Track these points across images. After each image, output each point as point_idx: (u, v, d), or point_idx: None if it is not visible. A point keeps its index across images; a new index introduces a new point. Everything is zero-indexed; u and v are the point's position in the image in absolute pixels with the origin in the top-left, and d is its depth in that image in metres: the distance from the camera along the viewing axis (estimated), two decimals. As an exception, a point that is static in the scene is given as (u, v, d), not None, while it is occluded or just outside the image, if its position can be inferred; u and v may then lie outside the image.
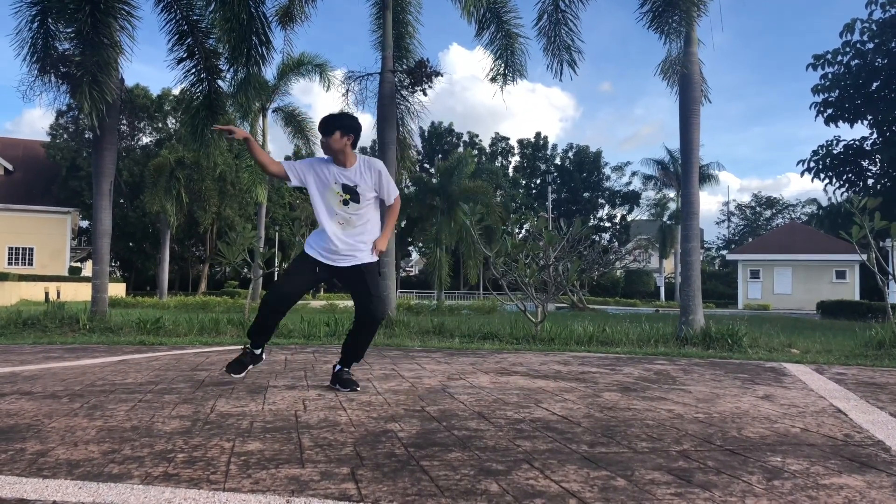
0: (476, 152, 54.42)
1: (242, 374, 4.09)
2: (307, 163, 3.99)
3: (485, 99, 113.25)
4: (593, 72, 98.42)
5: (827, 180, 22.10)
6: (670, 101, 9.64)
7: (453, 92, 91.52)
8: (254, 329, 4.06)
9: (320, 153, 4.27)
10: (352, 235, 3.92)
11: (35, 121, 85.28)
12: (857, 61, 20.67)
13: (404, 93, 12.25)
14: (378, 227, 4.05)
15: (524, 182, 60.16)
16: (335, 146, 3.86)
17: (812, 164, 22.18)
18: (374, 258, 4.01)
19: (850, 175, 22.04)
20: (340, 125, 3.87)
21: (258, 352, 4.15)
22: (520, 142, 62.11)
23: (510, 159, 61.84)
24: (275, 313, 4.01)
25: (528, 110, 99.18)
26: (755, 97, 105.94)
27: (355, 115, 4.97)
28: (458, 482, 2.11)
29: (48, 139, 37.22)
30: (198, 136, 10.70)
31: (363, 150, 54.69)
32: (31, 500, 1.88)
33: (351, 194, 3.88)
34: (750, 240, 54.76)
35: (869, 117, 21.06)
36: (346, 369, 4.10)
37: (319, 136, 3.93)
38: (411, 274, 61.71)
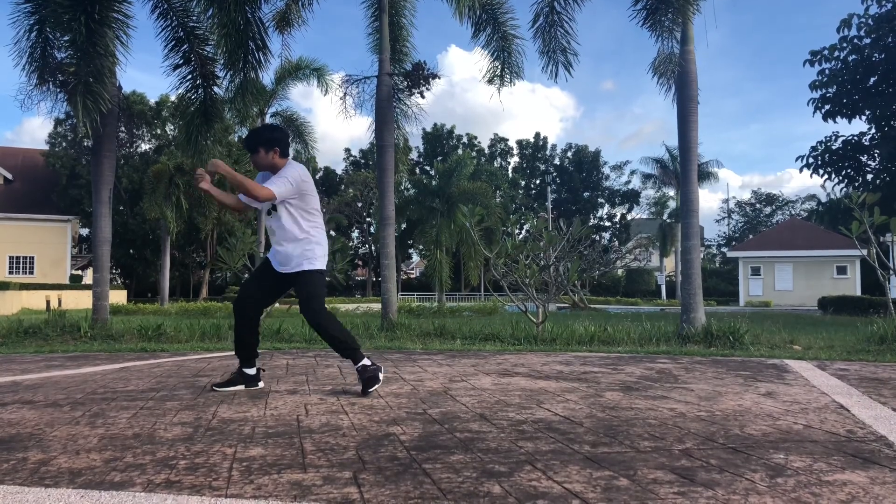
0: (475, 154, 54.40)
1: (227, 389, 4.08)
2: (300, 184, 4.00)
3: (485, 100, 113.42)
4: (593, 71, 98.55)
5: (826, 176, 22.08)
6: (670, 98, 9.63)
7: (453, 94, 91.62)
8: (236, 344, 4.16)
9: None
10: (279, 243, 4.02)
11: (35, 130, 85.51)
12: (854, 56, 20.66)
13: (402, 95, 12.25)
14: (300, 236, 3.97)
15: (523, 183, 60.16)
16: (262, 162, 4.00)
17: (811, 160, 22.16)
18: (306, 267, 3.98)
19: (848, 170, 22.02)
20: (260, 140, 3.97)
21: (251, 372, 4.16)
22: (519, 142, 62.13)
23: (509, 160, 61.86)
24: (242, 317, 4.08)
25: (528, 111, 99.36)
26: (752, 94, 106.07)
27: (275, 125, 5.13)
28: (461, 484, 2.10)
29: (47, 148, 37.26)
30: (192, 142, 10.70)
31: (362, 152, 54.69)
32: (34, 510, 1.87)
33: (273, 204, 3.97)
34: (750, 237, 54.72)
35: (867, 112, 21.04)
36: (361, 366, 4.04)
37: (296, 144, 4.01)
38: (412, 276, 61.72)
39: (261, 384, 4.22)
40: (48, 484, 2.12)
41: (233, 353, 4.39)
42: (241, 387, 4.12)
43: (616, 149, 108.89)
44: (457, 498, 1.97)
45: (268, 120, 28.37)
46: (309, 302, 4.00)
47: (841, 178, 22.11)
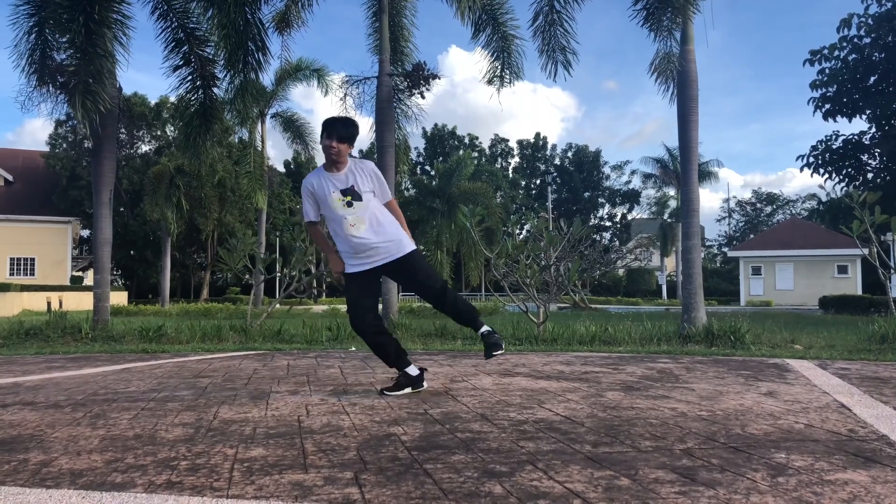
0: (475, 154, 54.45)
1: (399, 392, 3.95)
2: (312, 190, 3.97)
3: (486, 101, 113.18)
4: (595, 71, 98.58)
5: (826, 175, 22.08)
6: (670, 98, 9.62)
7: (455, 94, 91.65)
8: (381, 356, 4.06)
9: (320, 158, 4.29)
10: (371, 233, 3.87)
11: (36, 131, 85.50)
12: (854, 56, 20.65)
13: (402, 96, 12.26)
14: (392, 218, 3.99)
15: (524, 183, 60.19)
16: (343, 153, 3.89)
17: (811, 160, 22.15)
18: (410, 248, 3.95)
19: (849, 170, 22.01)
20: (354, 134, 3.92)
21: (414, 374, 4.01)
22: (519, 143, 62.19)
23: (510, 160, 61.88)
24: (375, 332, 3.95)
25: (530, 111, 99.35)
26: (752, 93, 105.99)
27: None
28: (462, 484, 2.10)
29: (48, 149, 37.28)
30: (191, 144, 10.71)
31: (360, 153, 54.81)
32: (35, 511, 1.87)
33: (351, 195, 3.87)
34: (751, 236, 54.70)
35: (867, 112, 21.04)
36: (486, 330, 4.03)
37: (334, 140, 3.83)
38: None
39: (425, 385, 4.07)
40: (49, 485, 2.12)
41: (233, 353, 4.37)
42: (409, 389, 3.97)
43: (618, 148, 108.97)
44: (458, 498, 1.97)
45: (268, 121, 28.39)
46: (434, 278, 4.02)
47: (841, 177, 22.11)
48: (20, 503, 1.94)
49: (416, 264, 3.97)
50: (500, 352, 4.00)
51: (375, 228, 3.87)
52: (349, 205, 3.85)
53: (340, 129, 3.86)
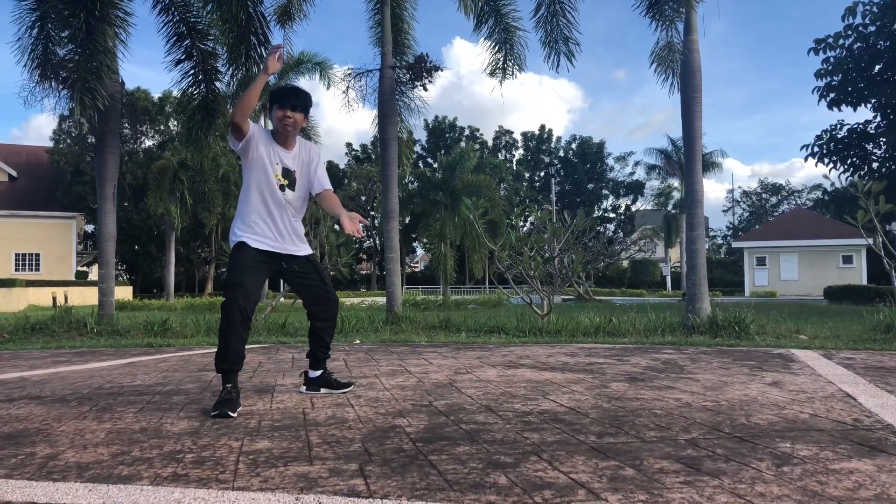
0: (478, 146, 54.32)
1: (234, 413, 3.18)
2: (263, 135, 3.53)
3: (493, 93, 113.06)
4: (601, 61, 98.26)
5: (831, 165, 22.00)
6: (672, 89, 9.56)
7: (461, 86, 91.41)
8: (233, 351, 3.34)
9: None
10: (295, 221, 3.59)
11: (42, 126, 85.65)
12: (859, 44, 20.54)
13: (404, 88, 12.23)
14: (301, 227, 3.66)
15: (528, 175, 60.06)
16: (297, 126, 3.53)
17: (816, 149, 22.08)
18: (309, 251, 3.66)
19: (854, 159, 21.93)
20: (309, 105, 3.56)
21: (228, 385, 3.33)
22: (523, 135, 62.00)
23: (514, 153, 61.74)
24: (245, 323, 3.35)
25: (536, 103, 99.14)
26: (756, 83, 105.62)
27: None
28: (467, 476, 2.11)
29: (52, 145, 37.33)
30: (194, 138, 10.70)
31: (364, 147, 54.70)
32: (42, 504, 1.88)
33: (289, 181, 3.53)
34: (756, 227, 54.54)
35: (872, 100, 20.94)
36: (326, 371, 3.80)
37: (289, 110, 3.44)
38: (416, 270, 61.78)
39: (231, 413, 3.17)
40: (56, 478, 2.14)
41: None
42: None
43: (626, 139, 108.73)
44: (463, 489, 1.97)
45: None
46: (331, 287, 3.74)
47: (846, 166, 22.03)
48: (27, 496, 1.95)
49: (317, 265, 3.69)
50: (326, 391, 3.71)
51: (296, 219, 3.60)
52: (282, 189, 3.52)
53: (294, 99, 3.48)
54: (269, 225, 3.50)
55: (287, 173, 3.54)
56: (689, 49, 9.18)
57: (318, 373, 3.80)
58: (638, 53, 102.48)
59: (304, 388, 3.81)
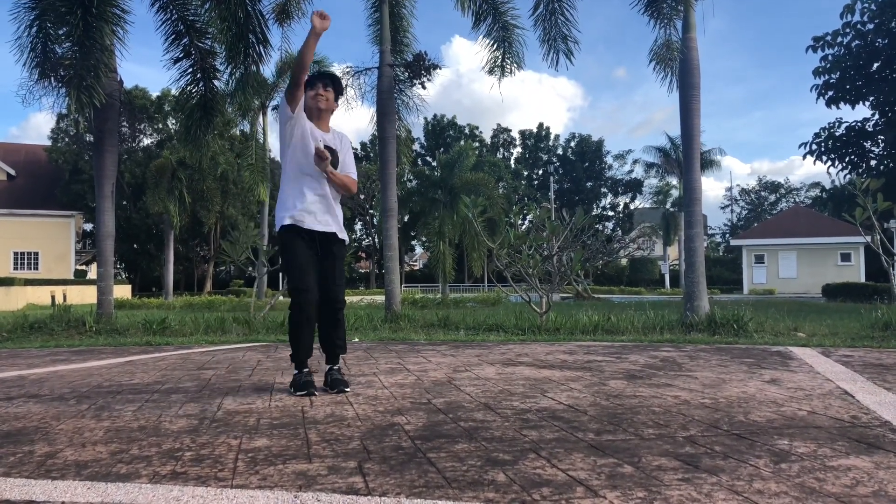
0: (477, 145, 54.27)
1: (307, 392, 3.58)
2: (306, 117, 3.67)
3: (492, 91, 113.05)
4: (602, 59, 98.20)
5: (829, 162, 22.00)
6: (670, 87, 9.57)
7: (460, 84, 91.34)
8: (302, 340, 3.64)
9: None
10: (331, 200, 3.66)
11: (40, 125, 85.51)
12: (857, 42, 20.54)
13: (403, 87, 12.22)
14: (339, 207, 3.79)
15: (526, 173, 60.05)
16: (332, 107, 3.73)
17: (814, 147, 22.08)
18: (345, 237, 3.78)
19: (852, 157, 21.93)
20: (341, 88, 3.80)
21: (306, 370, 3.70)
22: (522, 133, 61.98)
23: (512, 151, 61.72)
24: (314, 306, 3.56)
25: (535, 101, 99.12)
26: (756, 81, 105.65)
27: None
28: (465, 473, 2.11)
29: (50, 143, 37.27)
30: (192, 137, 10.69)
31: (363, 146, 54.69)
32: (41, 502, 1.88)
33: (333, 157, 3.64)
34: (754, 225, 54.57)
35: (870, 98, 20.94)
36: (335, 367, 3.82)
37: (321, 87, 3.62)
38: (415, 268, 61.76)
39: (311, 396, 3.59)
40: (55, 476, 2.14)
41: (237, 345, 4.29)
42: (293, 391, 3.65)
43: (626, 137, 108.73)
44: (461, 486, 1.97)
45: (269, 114, 28.32)
46: (343, 287, 3.75)
47: (844, 164, 22.04)
48: (26, 494, 1.95)
49: (342, 258, 3.76)
50: (346, 390, 3.68)
51: (331, 202, 3.69)
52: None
53: (326, 78, 3.71)
54: (315, 201, 3.60)
55: (330, 151, 3.64)
56: (687, 47, 9.19)
57: (327, 368, 3.83)
58: (638, 51, 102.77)
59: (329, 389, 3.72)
